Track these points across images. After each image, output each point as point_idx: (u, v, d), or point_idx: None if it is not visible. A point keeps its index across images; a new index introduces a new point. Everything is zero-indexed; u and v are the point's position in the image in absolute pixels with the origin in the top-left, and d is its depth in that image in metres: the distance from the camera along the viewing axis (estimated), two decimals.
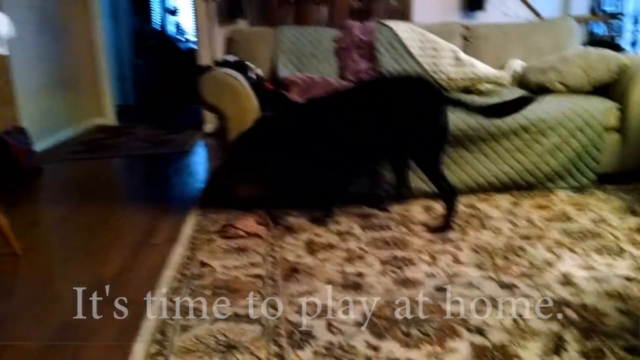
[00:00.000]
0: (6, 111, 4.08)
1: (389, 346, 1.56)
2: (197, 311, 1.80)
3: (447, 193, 2.53)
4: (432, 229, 2.50)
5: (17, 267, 2.32)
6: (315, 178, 2.73)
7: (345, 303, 1.82)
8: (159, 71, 7.89)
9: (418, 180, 2.87)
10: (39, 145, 4.69)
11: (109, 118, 6.34)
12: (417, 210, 2.77)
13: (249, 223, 2.53)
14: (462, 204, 2.83)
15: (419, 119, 2.46)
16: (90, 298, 1.97)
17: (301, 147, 2.57)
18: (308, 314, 1.76)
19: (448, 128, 2.59)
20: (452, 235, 2.43)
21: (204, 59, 5.29)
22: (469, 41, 3.69)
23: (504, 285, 1.92)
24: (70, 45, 5.72)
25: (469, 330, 1.63)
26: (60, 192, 3.60)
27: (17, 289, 2.12)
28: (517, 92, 2.97)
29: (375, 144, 2.54)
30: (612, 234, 2.38)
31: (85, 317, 1.84)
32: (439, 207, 2.80)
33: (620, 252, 2.18)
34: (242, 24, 5.17)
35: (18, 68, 4.37)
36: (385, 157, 2.77)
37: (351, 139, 2.52)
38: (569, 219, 2.59)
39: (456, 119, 2.83)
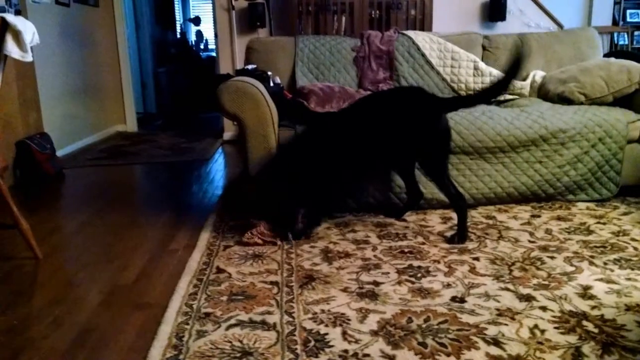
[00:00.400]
0: (30, 117, 4.17)
1: (405, 355, 1.55)
2: (213, 317, 1.81)
3: (456, 200, 2.51)
4: (449, 240, 2.49)
5: (38, 270, 2.36)
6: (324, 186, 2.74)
7: (361, 311, 1.82)
8: (180, 79, 8.00)
9: (436, 190, 2.86)
10: (61, 151, 4.78)
11: (131, 125, 6.44)
12: (434, 220, 2.77)
13: (266, 231, 2.53)
14: (481, 215, 2.82)
15: (418, 126, 2.50)
16: (109, 302, 2.01)
17: (319, 157, 2.60)
18: (323, 322, 1.76)
19: (449, 135, 2.61)
20: (469, 245, 2.42)
21: (224, 68, 5.36)
22: (488, 51, 3.68)
23: (522, 297, 1.90)
24: (93, 52, 5.83)
25: (485, 341, 1.62)
26: (82, 198, 3.65)
27: (38, 292, 2.15)
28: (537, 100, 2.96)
29: (379, 151, 2.59)
30: (633, 247, 2.35)
31: (103, 321, 1.87)
32: (456, 217, 2.78)
33: None
34: (262, 33, 5.23)
35: (42, 75, 4.47)
36: (390, 164, 2.80)
37: (359, 147, 2.56)
38: (589, 231, 2.56)
39: (476, 131, 2.83)
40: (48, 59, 4.73)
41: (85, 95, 5.58)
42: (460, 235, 2.48)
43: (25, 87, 4.08)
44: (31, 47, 2.31)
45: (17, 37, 2.21)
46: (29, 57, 2.29)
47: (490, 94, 2.50)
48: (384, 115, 2.54)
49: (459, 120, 2.86)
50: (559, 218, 2.75)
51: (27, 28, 2.25)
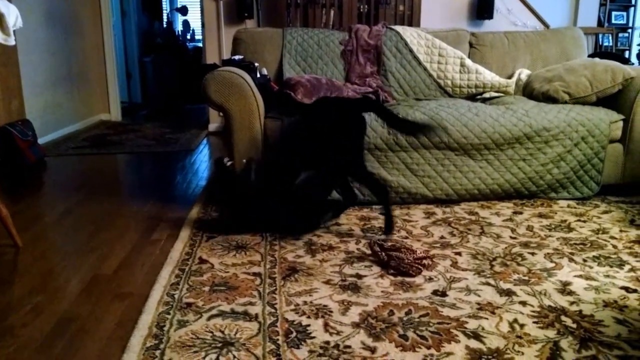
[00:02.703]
0: (12, 103, 4.11)
1: (386, 347, 1.56)
2: (195, 307, 1.81)
3: (381, 190, 2.54)
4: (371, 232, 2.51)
5: (18, 258, 2.33)
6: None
7: (343, 303, 1.83)
8: (166, 69, 7.93)
9: (420, 185, 2.88)
10: (44, 139, 4.72)
11: (115, 114, 6.38)
12: (418, 215, 2.78)
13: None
14: (464, 211, 2.84)
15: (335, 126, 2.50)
16: (90, 291, 1.99)
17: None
18: (305, 314, 1.76)
19: (360, 131, 2.63)
20: (452, 240, 2.44)
21: (211, 59, 5.32)
22: (475, 48, 3.70)
23: (502, 292, 1.92)
24: (78, 40, 5.76)
25: (465, 334, 1.63)
26: (64, 186, 3.61)
27: (17, 280, 2.13)
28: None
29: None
30: (612, 245, 2.38)
31: (84, 310, 1.85)
32: (439, 212, 2.80)
33: (620, 263, 2.18)
34: (249, 25, 5.20)
35: (25, 61, 4.40)
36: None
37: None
38: (569, 228, 2.59)
39: (461, 127, 2.85)
40: (32, 45, 4.65)
41: (69, 82, 5.51)
42: (387, 227, 2.50)
43: (8, 73, 4.02)
44: (14, 31, 2.27)
45: (0, 20, 2.18)
46: (11, 41, 2.25)
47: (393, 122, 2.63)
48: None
49: (445, 117, 2.87)
50: (540, 215, 2.78)
51: (10, 11, 2.21)
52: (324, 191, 2.69)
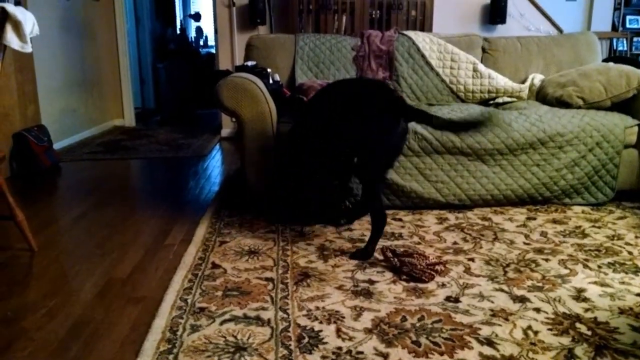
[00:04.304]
0: (28, 109, 4.16)
1: (398, 354, 1.56)
2: (208, 311, 1.81)
3: (378, 217, 2.29)
4: (352, 255, 2.32)
5: (33, 262, 2.36)
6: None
7: (355, 309, 1.83)
8: (179, 75, 7.98)
9: (433, 190, 2.87)
10: (59, 144, 4.77)
11: (129, 120, 6.43)
12: (430, 221, 2.77)
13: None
14: (477, 216, 2.83)
15: (372, 122, 2.23)
16: (104, 295, 2.01)
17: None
18: (317, 319, 1.76)
19: (402, 143, 2.48)
20: (465, 246, 2.42)
21: (224, 65, 5.36)
22: (488, 53, 3.69)
23: (516, 298, 1.91)
24: (93, 46, 5.82)
25: (478, 341, 1.62)
26: (78, 191, 3.65)
27: (32, 284, 2.15)
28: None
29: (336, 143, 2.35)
30: (627, 251, 2.35)
31: (98, 313, 1.86)
32: (452, 218, 2.79)
33: (636, 269, 2.16)
34: (262, 31, 5.23)
35: (41, 67, 4.46)
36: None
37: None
38: (584, 234, 2.57)
39: (474, 132, 2.83)
40: (47, 51, 4.71)
41: (83, 88, 5.57)
42: (364, 252, 2.30)
43: (24, 79, 4.07)
44: (30, 39, 2.30)
45: (17, 27, 2.20)
46: (28, 48, 2.28)
47: (455, 127, 2.55)
48: (344, 104, 2.31)
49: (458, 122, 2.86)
50: (554, 221, 2.76)
51: (27, 18, 2.24)
52: (330, 193, 2.66)
